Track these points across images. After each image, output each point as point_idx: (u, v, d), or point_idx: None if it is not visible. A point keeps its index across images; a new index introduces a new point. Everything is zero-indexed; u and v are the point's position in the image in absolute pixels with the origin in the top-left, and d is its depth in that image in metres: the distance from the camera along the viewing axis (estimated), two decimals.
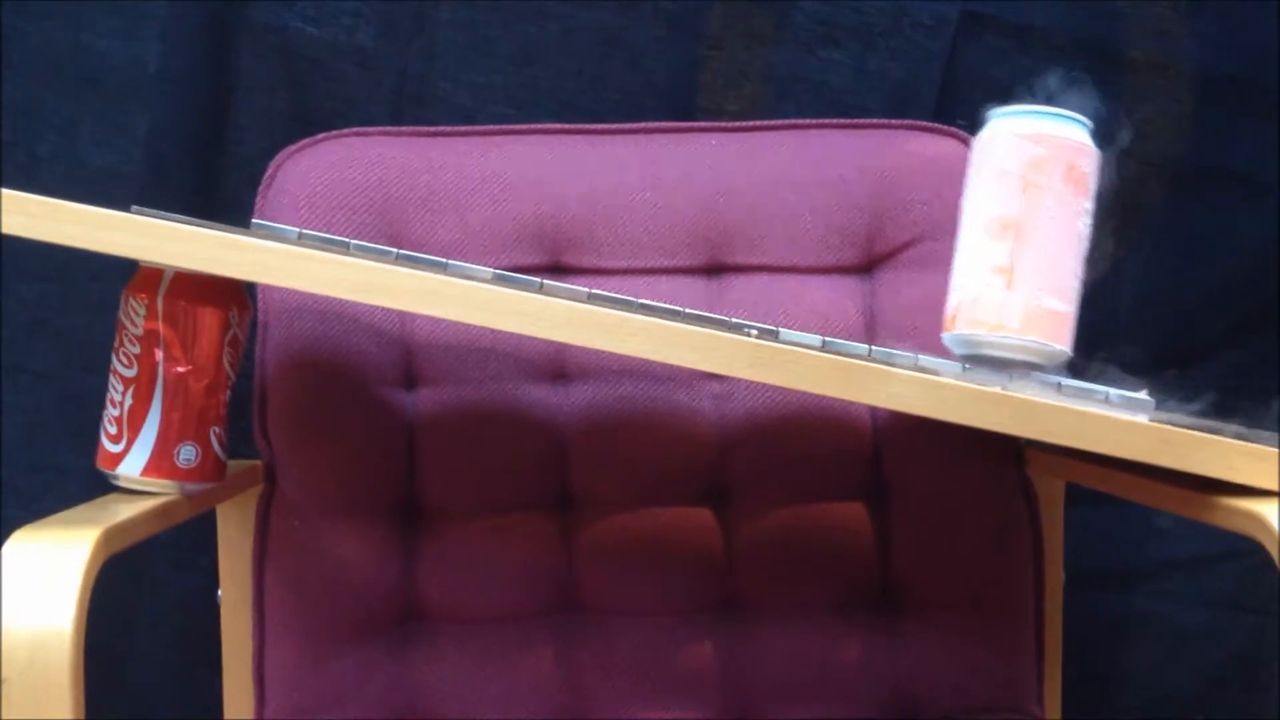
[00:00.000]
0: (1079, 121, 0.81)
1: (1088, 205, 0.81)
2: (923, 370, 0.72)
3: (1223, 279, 1.21)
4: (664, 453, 0.96)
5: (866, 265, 1.00)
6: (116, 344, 0.81)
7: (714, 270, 1.00)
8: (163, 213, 0.70)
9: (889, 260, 1.00)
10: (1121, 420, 0.72)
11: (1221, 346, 1.22)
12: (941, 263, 0.98)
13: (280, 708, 0.94)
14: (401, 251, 0.75)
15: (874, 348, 0.74)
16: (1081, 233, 0.80)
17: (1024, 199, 0.78)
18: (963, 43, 1.15)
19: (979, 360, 0.79)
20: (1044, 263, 0.79)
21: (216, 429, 0.83)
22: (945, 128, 1.02)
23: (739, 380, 0.95)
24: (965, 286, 0.81)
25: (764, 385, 0.83)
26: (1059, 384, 0.75)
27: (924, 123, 1.04)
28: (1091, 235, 0.81)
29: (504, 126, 1.03)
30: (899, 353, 0.74)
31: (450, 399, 0.95)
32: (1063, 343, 0.80)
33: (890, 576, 0.97)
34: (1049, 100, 0.82)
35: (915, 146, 1.01)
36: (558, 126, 1.04)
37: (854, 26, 1.14)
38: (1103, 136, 0.83)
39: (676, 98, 1.14)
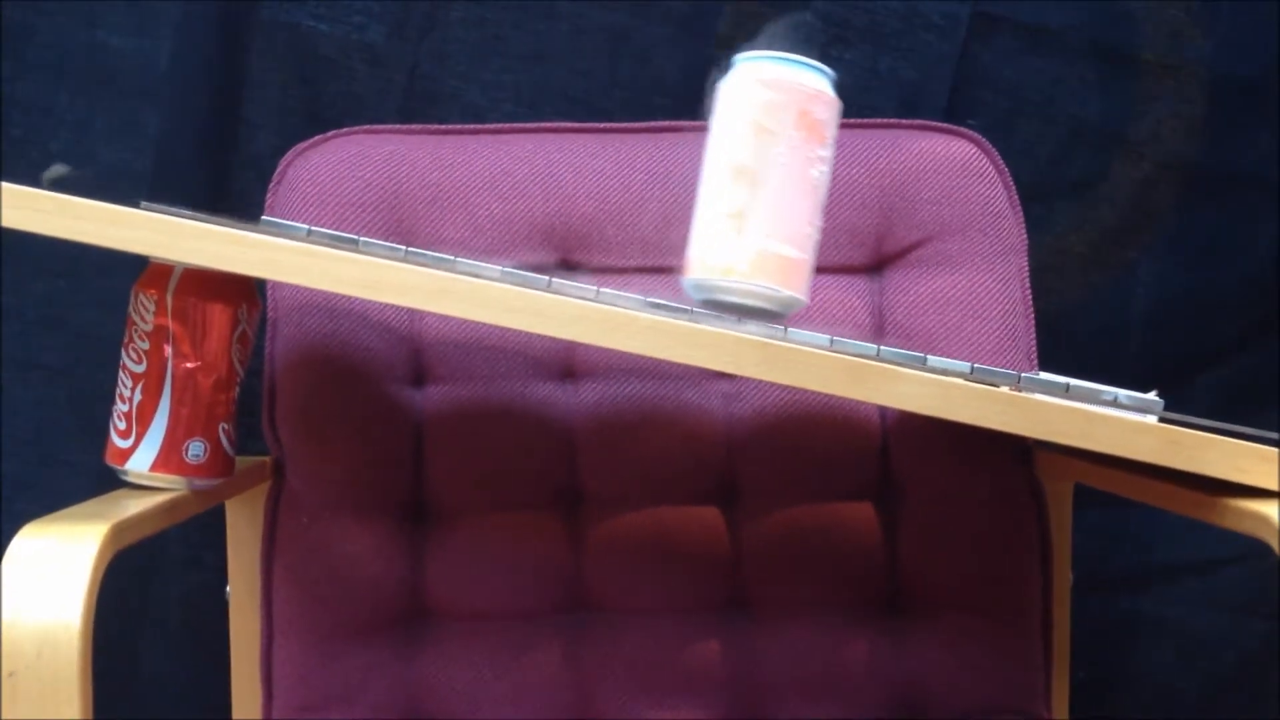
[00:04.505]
0: (815, 68, 0.78)
1: (823, 153, 0.78)
2: (932, 370, 0.72)
3: (1235, 281, 1.21)
4: (672, 451, 0.96)
5: (876, 265, 1.00)
6: (126, 340, 0.81)
7: None
8: (172, 208, 0.70)
9: (898, 260, 1.00)
10: (1129, 421, 0.72)
11: (1234, 349, 1.22)
12: (951, 263, 0.98)
13: (288, 704, 0.94)
14: (410, 249, 0.74)
15: (883, 347, 0.73)
16: (816, 180, 0.78)
17: (756, 144, 0.77)
18: (974, 43, 1.15)
19: (713, 305, 0.78)
20: (775, 209, 0.77)
21: (225, 425, 0.83)
22: (956, 128, 1.02)
23: (747, 379, 0.95)
24: (702, 233, 0.80)
25: (772, 384, 0.82)
26: (1067, 385, 0.75)
27: (935, 123, 1.04)
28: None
29: (514, 125, 1.04)
30: (908, 352, 0.74)
31: (459, 396, 0.95)
32: (795, 289, 0.78)
33: (898, 576, 0.97)
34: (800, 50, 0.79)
35: (926, 147, 1.01)
36: (568, 125, 1.04)
37: (865, 27, 1.14)
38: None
39: (687, 97, 1.14)
